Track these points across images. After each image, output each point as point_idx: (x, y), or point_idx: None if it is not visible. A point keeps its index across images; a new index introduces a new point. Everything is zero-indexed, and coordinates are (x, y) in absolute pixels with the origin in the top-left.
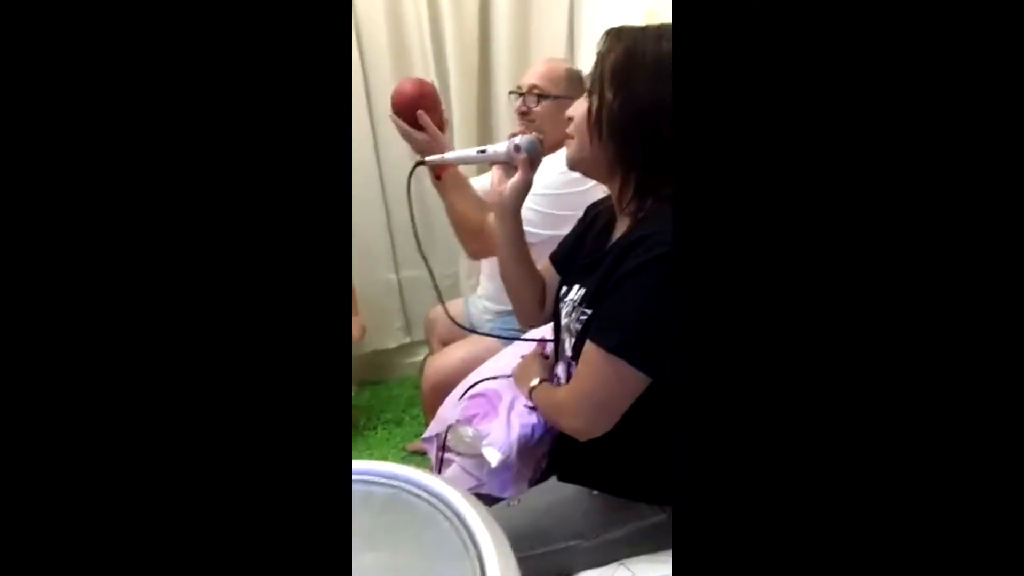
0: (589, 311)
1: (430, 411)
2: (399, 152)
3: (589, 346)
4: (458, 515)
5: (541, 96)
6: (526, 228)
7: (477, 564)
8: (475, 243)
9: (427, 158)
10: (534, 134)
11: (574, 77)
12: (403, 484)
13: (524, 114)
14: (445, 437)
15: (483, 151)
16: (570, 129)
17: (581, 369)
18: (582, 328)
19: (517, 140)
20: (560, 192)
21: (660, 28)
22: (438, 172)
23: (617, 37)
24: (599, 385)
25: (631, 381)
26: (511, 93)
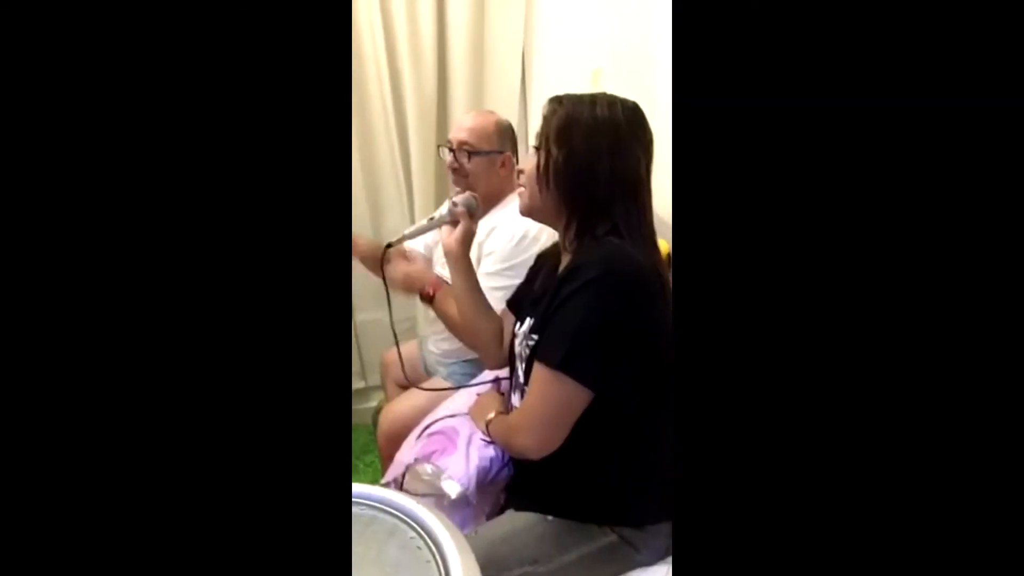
0: (536, 337)
1: (387, 460)
2: (355, 197)
3: (536, 367)
4: (421, 524)
5: (472, 153)
6: (500, 307)
7: (442, 567)
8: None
9: (392, 241)
10: (468, 192)
11: (503, 131)
12: (365, 501)
13: (456, 170)
14: (402, 480)
15: (432, 218)
16: (522, 180)
17: (529, 389)
18: (530, 353)
19: (455, 198)
20: (515, 261)
21: (594, 96)
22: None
23: (559, 102)
24: (546, 401)
25: (575, 394)
26: (440, 147)
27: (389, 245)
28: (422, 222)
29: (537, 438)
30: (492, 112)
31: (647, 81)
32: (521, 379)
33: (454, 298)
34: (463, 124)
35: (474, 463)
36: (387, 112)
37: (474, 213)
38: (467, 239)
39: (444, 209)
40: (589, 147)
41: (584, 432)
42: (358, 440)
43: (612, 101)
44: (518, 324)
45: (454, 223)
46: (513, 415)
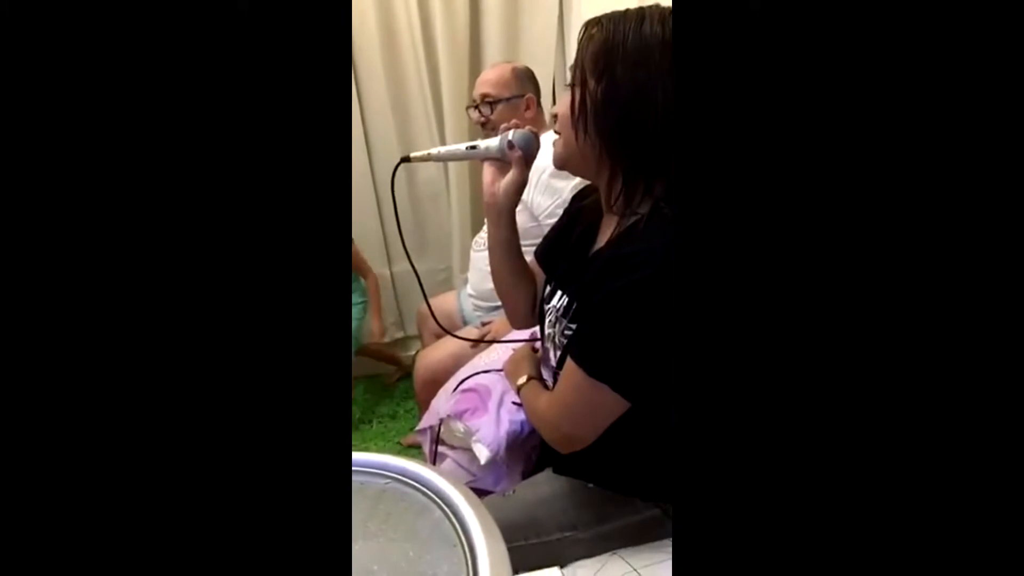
0: (573, 326)
1: (423, 406)
2: (390, 147)
3: (571, 363)
4: (450, 505)
5: (493, 103)
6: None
7: (468, 552)
8: None
9: (412, 154)
10: (528, 128)
11: (522, 75)
12: (396, 475)
13: (484, 124)
14: (439, 430)
15: (473, 147)
16: (556, 126)
17: (562, 384)
18: (567, 342)
19: (510, 136)
20: (565, 195)
21: (641, 11)
22: None
23: (597, 24)
24: (579, 404)
25: (610, 404)
26: (468, 108)
27: (407, 159)
28: (458, 146)
29: (566, 438)
30: (509, 61)
31: None
32: (553, 362)
33: (489, 253)
34: (483, 78)
35: (504, 427)
36: (417, 52)
37: (532, 158)
38: (518, 190)
39: (494, 143)
40: (635, 75)
41: (631, 411)
42: (398, 387)
43: (666, 14)
44: (548, 288)
45: (504, 165)
46: (543, 403)
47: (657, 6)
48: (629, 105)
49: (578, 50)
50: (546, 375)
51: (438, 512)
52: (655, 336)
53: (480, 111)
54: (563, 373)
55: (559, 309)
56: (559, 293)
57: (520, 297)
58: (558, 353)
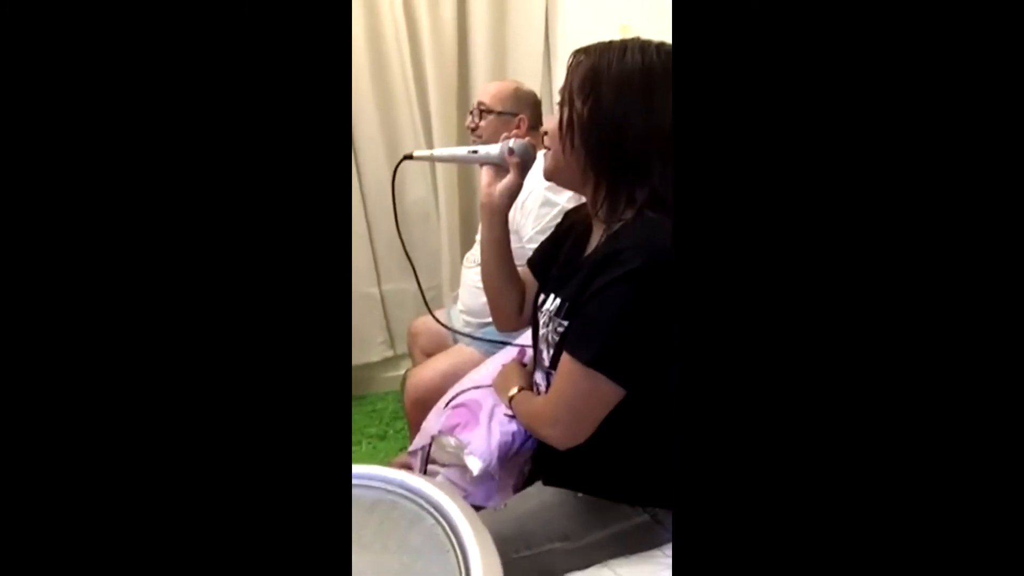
0: (566, 323)
1: (414, 425)
2: (379, 166)
3: (565, 358)
4: (442, 513)
5: (485, 112)
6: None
7: (460, 557)
8: None
9: (415, 153)
10: (527, 139)
11: (523, 97)
12: (389, 486)
13: (473, 130)
14: (429, 449)
15: (475, 151)
16: (546, 140)
17: (558, 380)
18: (559, 339)
19: (511, 143)
20: (547, 222)
21: (625, 43)
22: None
23: (585, 52)
24: (575, 396)
25: (607, 393)
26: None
27: (409, 156)
28: (460, 149)
29: (565, 432)
30: (517, 80)
31: None
32: (546, 362)
33: (481, 251)
34: (485, 88)
35: (496, 438)
36: (406, 73)
37: (529, 166)
38: (514, 193)
39: (495, 149)
40: (618, 98)
41: (616, 413)
42: (388, 407)
43: (645, 45)
44: (541, 297)
45: (501, 170)
46: (539, 403)
47: (637, 39)
48: (611, 124)
49: (567, 74)
50: (539, 379)
51: (430, 520)
52: (645, 324)
53: (472, 117)
54: (559, 369)
55: (552, 311)
56: (552, 296)
57: (507, 295)
58: (551, 352)
